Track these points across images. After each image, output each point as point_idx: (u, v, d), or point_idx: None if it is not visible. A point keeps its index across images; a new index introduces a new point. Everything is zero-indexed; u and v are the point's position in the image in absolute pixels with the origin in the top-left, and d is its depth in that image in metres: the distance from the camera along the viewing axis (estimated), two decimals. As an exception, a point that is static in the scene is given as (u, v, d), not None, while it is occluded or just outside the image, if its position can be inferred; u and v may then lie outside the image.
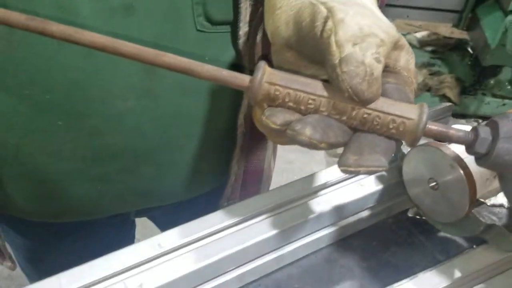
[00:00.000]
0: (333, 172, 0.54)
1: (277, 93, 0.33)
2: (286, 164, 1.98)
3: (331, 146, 0.33)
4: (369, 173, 0.33)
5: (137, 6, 0.44)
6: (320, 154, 2.03)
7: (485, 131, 0.34)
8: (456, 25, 1.88)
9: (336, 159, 0.34)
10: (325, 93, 0.33)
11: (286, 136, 0.33)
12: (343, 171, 0.33)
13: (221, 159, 0.64)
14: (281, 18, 0.38)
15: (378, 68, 0.32)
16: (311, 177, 0.54)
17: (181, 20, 0.47)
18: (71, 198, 0.57)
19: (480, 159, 0.35)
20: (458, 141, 0.34)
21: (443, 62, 2.11)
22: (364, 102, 0.32)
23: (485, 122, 0.36)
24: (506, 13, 1.66)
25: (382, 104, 0.33)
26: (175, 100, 0.51)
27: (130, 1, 0.43)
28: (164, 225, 0.85)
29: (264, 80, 0.33)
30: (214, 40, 0.49)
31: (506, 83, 1.98)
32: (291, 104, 0.33)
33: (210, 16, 0.47)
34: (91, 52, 0.44)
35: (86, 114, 0.48)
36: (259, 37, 0.51)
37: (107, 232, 0.74)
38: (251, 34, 0.50)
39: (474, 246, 0.53)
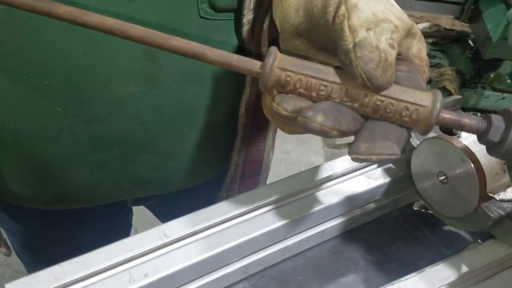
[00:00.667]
0: (340, 164, 0.53)
1: (288, 79, 0.32)
2: (284, 154, 1.97)
3: (342, 133, 0.32)
4: (381, 161, 0.32)
5: None
6: (318, 145, 2.03)
7: (498, 120, 0.33)
8: (458, 17, 1.87)
9: (335, 151, 0.33)
10: (337, 79, 0.32)
11: (296, 123, 0.32)
12: (354, 159, 0.32)
13: (221, 149, 0.63)
14: (291, 5, 0.37)
15: (393, 54, 0.31)
16: (317, 168, 0.53)
17: (184, 6, 0.46)
18: (68, 184, 0.56)
19: (492, 148, 0.34)
20: (470, 129, 0.34)
21: (444, 54, 2.10)
22: (378, 89, 0.31)
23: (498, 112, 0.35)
24: (509, 6, 1.65)
25: (395, 91, 0.32)
26: (177, 88, 0.50)
27: None
28: (161, 214, 0.84)
29: (275, 66, 0.32)
30: (217, 28, 0.48)
31: (506, 77, 1.97)
32: (302, 90, 0.32)
33: (214, 3, 0.46)
34: (92, 37, 0.43)
35: (85, 100, 0.47)
36: (266, 25, 0.50)
37: (104, 220, 0.74)
38: (258, 22, 0.49)
39: (479, 241, 0.53)
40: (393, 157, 0.32)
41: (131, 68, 0.46)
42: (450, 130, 0.52)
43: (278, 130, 0.71)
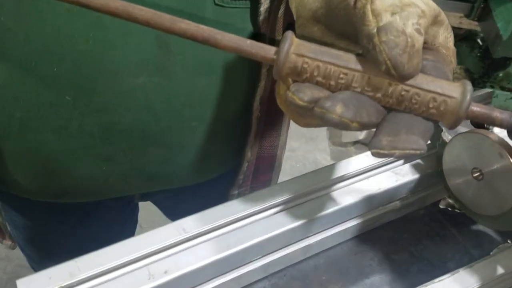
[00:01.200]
0: (366, 159, 0.51)
1: (305, 65, 0.30)
2: (289, 151, 1.95)
3: (363, 126, 0.30)
4: (405, 156, 0.30)
5: None
6: (324, 142, 2.00)
7: None
8: (467, 15, 1.84)
9: (341, 149, 0.30)
10: (358, 67, 0.30)
11: (313, 115, 0.30)
12: (375, 154, 0.30)
13: (234, 144, 0.61)
14: None
15: (420, 40, 0.29)
16: (343, 163, 0.51)
17: None
18: (75, 177, 0.54)
19: None
20: (501, 124, 0.31)
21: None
22: (403, 77, 0.29)
23: None
24: (521, 4, 1.63)
25: (421, 80, 0.30)
26: (190, 79, 0.48)
27: None
28: (168, 210, 0.82)
29: (291, 51, 0.30)
30: (233, 16, 0.46)
31: (515, 77, 1.95)
32: (319, 78, 0.30)
33: None
34: (102, 23, 0.42)
35: (95, 89, 0.46)
36: (281, 12, 0.48)
37: (110, 215, 0.72)
38: (272, 9, 0.47)
39: (509, 241, 0.50)
40: (418, 152, 0.29)
41: (143, 57, 0.45)
42: (481, 124, 0.49)
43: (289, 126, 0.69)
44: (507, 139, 0.43)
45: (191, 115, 0.52)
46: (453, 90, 0.30)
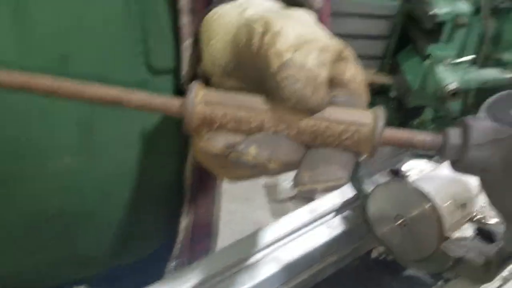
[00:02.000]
0: (302, 215, 0.52)
1: (213, 115, 0.30)
2: (229, 215, 1.93)
3: (283, 165, 0.30)
4: (328, 189, 0.30)
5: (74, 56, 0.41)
6: (262, 200, 2.01)
7: (455, 136, 0.31)
8: (379, 71, 1.99)
9: (280, 205, 0.31)
10: (267, 107, 0.30)
11: (230, 162, 0.30)
12: (299, 191, 0.30)
13: (167, 213, 0.60)
14: (217, 47, 0.36)
15: (322, 73, 0.30)
16: (276, 224, 0.52)
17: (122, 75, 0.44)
18: (1, 272, 0.50)
19: (454, 164, 0.32)
20: (423, 146, 0.31)
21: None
22: (310, 111, 0.30)
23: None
24: (424, 58, 1.79)
25: (330, 112, 0.30)
26: (117, 154, 0.47)
27: (66, 52, 0.41)
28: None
29: (197, 101, 0.30)
30: (155, 88, 0.47)
31: (429, 122, 2.11)
32: (232, 124, 0.30)
33: (151, 65, 0.45)
34: (20, 106, 0.40)
35: (17, 175, 0.44)
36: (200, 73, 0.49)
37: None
38: (189, 70, 0.48)
39: (439, 283, 0.53)
40: (340, 182, 0.29)
41: (66, 137, 0.44)
42: (398, 172, 0.53)
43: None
44: (424, 184, 0.47)
45: (121, 190, 0.50)
46: (365, 118, 0.30)
